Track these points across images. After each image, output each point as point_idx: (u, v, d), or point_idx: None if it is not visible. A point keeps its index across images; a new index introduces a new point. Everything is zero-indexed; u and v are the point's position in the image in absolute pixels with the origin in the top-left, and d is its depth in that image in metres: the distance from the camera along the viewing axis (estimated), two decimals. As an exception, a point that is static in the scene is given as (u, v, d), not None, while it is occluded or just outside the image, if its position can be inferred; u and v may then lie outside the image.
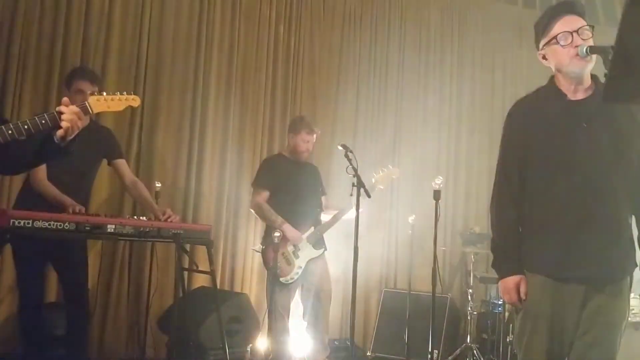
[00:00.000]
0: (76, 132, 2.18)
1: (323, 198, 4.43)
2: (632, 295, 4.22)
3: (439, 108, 6.08)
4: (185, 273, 4.39)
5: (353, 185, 3.67)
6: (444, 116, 6.10)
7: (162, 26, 4.98)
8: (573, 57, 2.16)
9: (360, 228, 3.59)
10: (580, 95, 2.23)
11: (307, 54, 5.55)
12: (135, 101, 2.50)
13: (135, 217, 3.53)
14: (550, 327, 2.15)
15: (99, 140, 3.55)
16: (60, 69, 4.50)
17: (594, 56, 2.15)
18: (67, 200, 3.26)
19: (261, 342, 4.15)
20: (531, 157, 2.25)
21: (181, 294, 4.15)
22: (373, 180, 4.27)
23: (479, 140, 6.13)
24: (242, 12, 5.29)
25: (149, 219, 3.44)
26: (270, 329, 3.91)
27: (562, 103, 2.23)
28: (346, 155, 3.77)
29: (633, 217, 2.23)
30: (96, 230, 3.16)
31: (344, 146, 3.84)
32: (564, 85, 2.25)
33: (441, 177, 4.11)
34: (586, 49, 2.10)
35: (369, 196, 3.83)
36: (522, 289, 2.21)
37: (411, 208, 5.59)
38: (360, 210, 3.62)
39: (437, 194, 4.03)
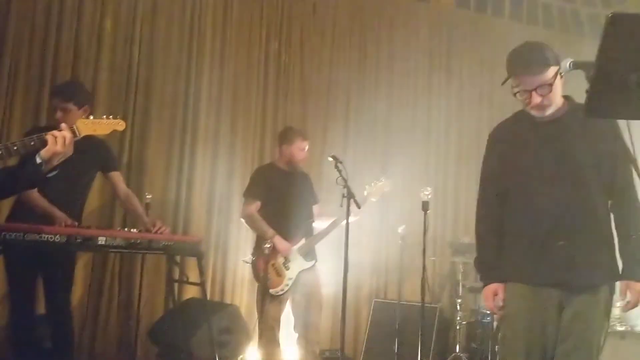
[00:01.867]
0: (60, 158, 2.21)
1: (315, 206, 4.44)
2: (617, 304, 4.27)
3: (427, 120, 6.13)
4: (176, 284, 4.39)
5: (343, 196, 3.70)
6: (432, 128, 6.15)
7: (153, 39, 5.01)
8: (532, 108, 2.31)
9: (350, 239, 3.62)
10: (550, 117, 2.34)
11: (297, 66, 5.59)
12: (121, 125, 2.55)
13: (125, 229, 3.54)
14: (528, 332, 2.26)
15: (94, 153, 3.55)
16: (50, 83, 4.52)
17: (556, 97, 2.29)
18: (57, 213, 3.25)
19: (252, 354, 4.15)
20: (508, 176, 2.40)
21: (171, 305, 4.16)
22: (365, 193, 4.29)
23: (467, 152, 6.18)
24: (233, 26, 5.33)
25: (140, 231, 3.45)
26: (260, 340, 3.92)
27: (532, 125, 2.36)
28: (336, 167, 3.80)
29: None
30: (87, 243, 3.18)
31: (334, 157, 3.87)
32: None
33: (429, 188, 4.16)
34: (570, 64, 2.16)
35: (359, 207, 3.85)
36: (499, 296, 2.34)
37: (401, 218, 5.63)
38: (352, 220, 3.65)
39: (425, 205, 4.08)
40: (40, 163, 2.17)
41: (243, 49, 5.36)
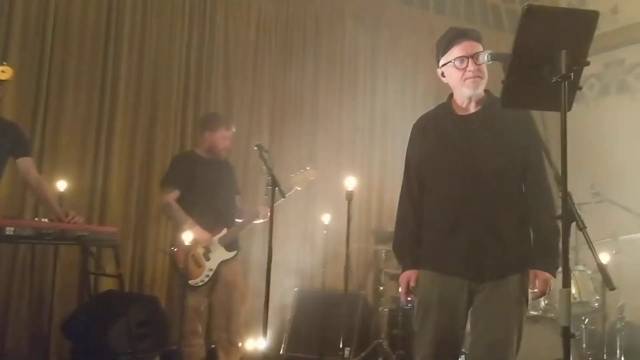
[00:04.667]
0: None
1: (237, 198, 4.38)
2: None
3: (353, 111, 6.17)
4: (92, 276, 4.23)
5: (268, 185, 3.67)
6: (358, 117, 6.20)
7: (68, 18, 4.76)
8: (466, 80, 2.39)
9: (275, 228, 3.59)
10: (471, 110, 2.46)
11: (221, 50, 5.47)
12: (5, 74, 2.38)
13: (36, 218, 3.37)
14: (439, 316, 2.36)
15: (4, 137, 3.37)
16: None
17: (486, 77, 2.40)
18: None
19: (172, 346, 4.05)
20: (427, 168, 2.50)
21: (87, 298, 4.01)
22: (291, 181, 4.27)
23: (392, 142, 6.27)
24: (154, 8, 5.14)
25: (52, 221, 3.30)
26: (181, 332, 3.84)
27: (451, 118, 2.48)
28: (261, 155, 3.76)
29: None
30: (-7, 233, 3.01)
31: (259, 146, 3.82)
32: (457, 102, 2.49)
33: (353, 178, 4.18)
34: (488, 56, 2.22)
35: (284, 196, 3.83)
36: (411, 283, 2.47)
37: (326, 208, 5.65)
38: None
39: (349, 194, 4.09)
40: None
41: (164, 32, 5.18)
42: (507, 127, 2.38)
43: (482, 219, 2.34)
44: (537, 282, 2.34)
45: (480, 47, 2.38)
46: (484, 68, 2.38)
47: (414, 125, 2.63)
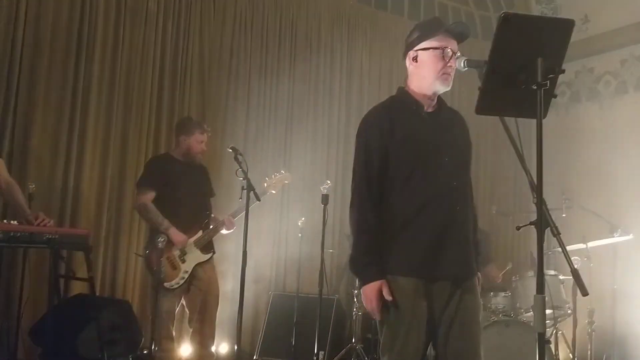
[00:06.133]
0: None
1: (212, 201, 4.35)
2: (504, 293, 4.54)
3: (328, 114, 6.17)
4: (62, 280, 4.15)
5: (243, 188, 3.65)
6: (333, 121, 6.20)
7: (40, 16, 4.67)
8: (444, 74, 2.29)
9: (250, 231, 3.58)
10: (431, 109, 2.39)
11: (196, 53, 5.42)
12: None
13: (5, 221, 3.30)
14: (425, 326, 2.21)
15: None
16: None
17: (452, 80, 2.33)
18: None
19: (144, 351, 4.00)
20: (394, 163, 2.28)
21: (56, 303, 3.93)
22: (265, 184, 4.26)
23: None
24: (127, 7, 5.07)
25: (21, 223, 3.23)
26: (153, 336, 3.79)
27: (421, 114, 2.35)
28: (236, 158, 3.74)
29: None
30: (-41, 235, 2.94)
31: (233, 149, 3.80)
32: (418, 95, 2.37)
33: (329, 182, 4.19)
34: (464, 62, 2.21)
35: (258, 200, 3.82)
36: (385, 292, 2.18)
37: (301, 211, 5.64)
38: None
39: (325, 198, 4.11)
40: None
41: (138, 31, 5.12)
42: (460, 129, 2.42)
43: (466, 219, 2.30)
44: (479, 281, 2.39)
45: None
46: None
47: (370, 119, 2.38)
